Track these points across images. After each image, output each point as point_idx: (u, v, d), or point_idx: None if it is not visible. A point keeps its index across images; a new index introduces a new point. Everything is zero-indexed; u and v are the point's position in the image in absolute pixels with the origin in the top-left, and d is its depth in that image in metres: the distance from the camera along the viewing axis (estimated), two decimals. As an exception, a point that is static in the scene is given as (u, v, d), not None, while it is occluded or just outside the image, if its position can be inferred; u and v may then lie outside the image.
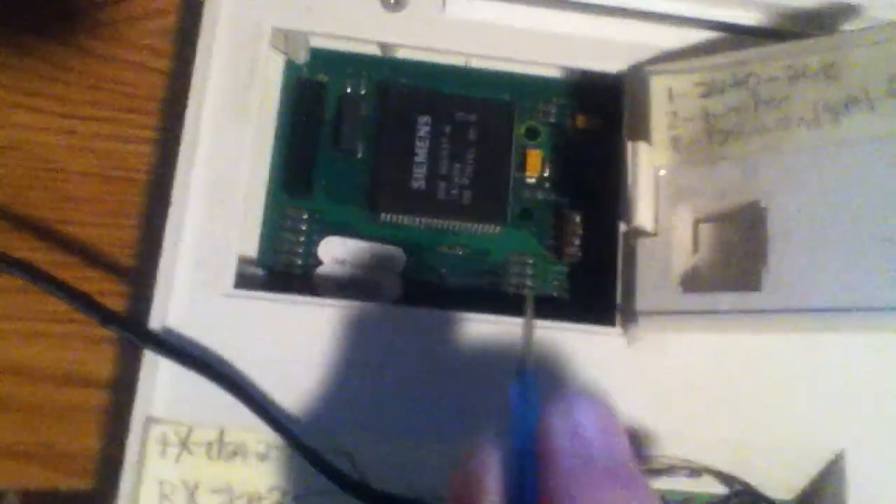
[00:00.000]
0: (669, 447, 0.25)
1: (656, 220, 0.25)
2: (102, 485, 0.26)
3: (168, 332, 0.23)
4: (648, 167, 0.25)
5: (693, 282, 0.25)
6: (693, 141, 0.25)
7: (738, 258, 0.25)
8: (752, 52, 0.25)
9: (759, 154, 0.24)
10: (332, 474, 0.22)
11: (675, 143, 0.25)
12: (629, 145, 0.26)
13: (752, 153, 0.24)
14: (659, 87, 0.26)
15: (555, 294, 0.28)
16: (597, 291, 0.27)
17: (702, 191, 0.25)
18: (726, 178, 0.25)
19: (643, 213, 0.25)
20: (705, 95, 0.25)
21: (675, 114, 0.25)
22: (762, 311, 0.23)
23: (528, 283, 0.28)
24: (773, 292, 0.23)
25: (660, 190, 0.25)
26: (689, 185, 0.25)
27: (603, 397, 0.16)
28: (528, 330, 0.18)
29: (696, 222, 0.26)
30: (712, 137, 0.25)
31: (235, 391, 0.22)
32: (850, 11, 0.27)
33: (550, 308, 0.27)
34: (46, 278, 0.21)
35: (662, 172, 0.26)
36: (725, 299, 0.24)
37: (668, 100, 0.25)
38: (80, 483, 0.26)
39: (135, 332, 0.23)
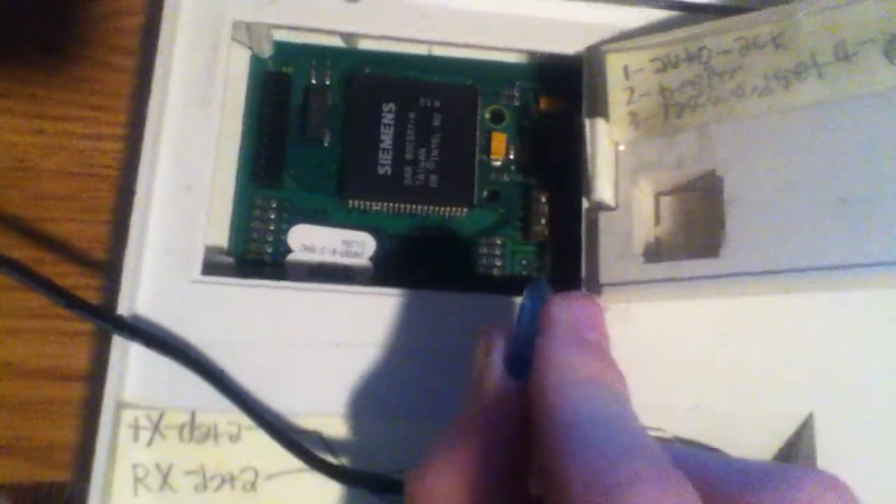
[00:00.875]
0: (639, 416, 0.25)
1: (617, 194, 0.26)
2: (84, 476, 0.26)
3: (136, 318, 0.24)
4: (607, 143, 0.26)
5: (656, 252, 0.26)
6: (650, 115, 0.25)
7: (698, 227, 0.25)
8: (704, 27, 0.25)
9: (714, 124, 0.25)
10: (301, 453, 0.22)
11: (633, 118, 0.26)
12: (587, 122, 0.26)
13: (708, 124, 0.25)
14: (615, 64, 0.26)
15: (524, 273, 0.28)
16: (565, 268, 0.27)
17: (661, 163, 0.25)
18: (684, 150, 0.25)
19: (603, 187, 0.25)
20: (660, 70, 0.26)
21: (631, 90, 0.26)
22: (722, 276, 0.23)
23: (497, 262, 0.28)
24: (732, 257, 0.23)
25: (620, 164, 0.26)
26: (648, 159, 0.26)
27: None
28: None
29: (657, 194, 0.26)
30: (669, 111, 0.25)
31: (202, 372, 0.23)
32: (803, -16, 0.28)
33: (518, 286, 0.27)
34: (4, 262, 0.22)
35: (622, 147, 0.26)
36: (686, 267, 0.24)
37: (624, 76, 0.26)
38: (63, 475, 0.26)
39: (99, 316, 0.23)
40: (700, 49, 0.25)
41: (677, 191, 0.26)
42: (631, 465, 0.15)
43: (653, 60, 0.26)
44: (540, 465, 0.17)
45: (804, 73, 0.24)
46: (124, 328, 0.23)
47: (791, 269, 0.22)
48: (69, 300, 0.22)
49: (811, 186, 0.23)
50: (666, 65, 0.26)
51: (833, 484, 0.15)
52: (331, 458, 0.23)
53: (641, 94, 0.26)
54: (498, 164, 0.29)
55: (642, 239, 0.25)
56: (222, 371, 0.24)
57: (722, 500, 0.15)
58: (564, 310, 0.19)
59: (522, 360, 0.19)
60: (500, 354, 0.19)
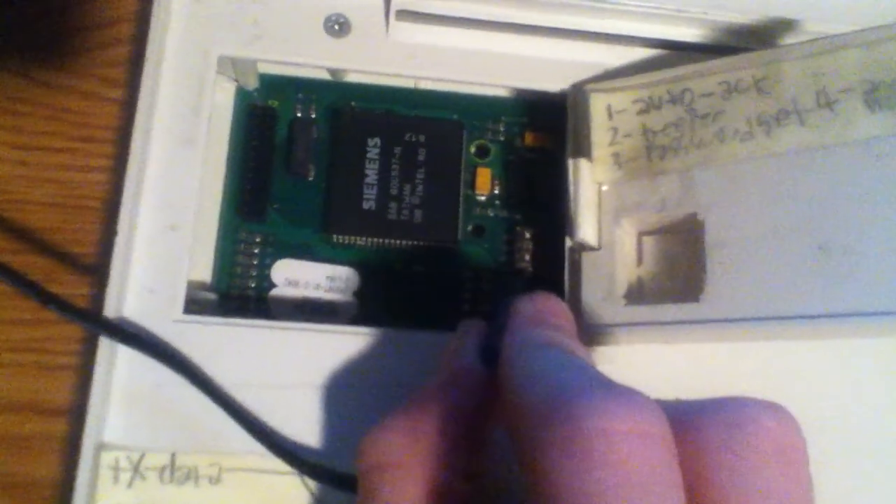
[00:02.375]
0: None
1: (600, 235, 0.26)
2: (62, 512, 0.26)
3: (119, 355, 0.24)
4: (590, 183, 0.26)
5: (638, 293, 0.26)
6: (633, 156, 0.26)
7: (681, 269, 0.25)
8: (687, 69, 0.25)
9: (696, 167, 0.25)
10: (286, 456, 0.22)
11: (616, 158, 0.26)
12: (570, 163, 0.26)
13: (690, 167, 0.25)
14: (598, 104, 0.26)
15: (508, 309, 0.28)
16: (548, 306, 0.27)
17: (643, 204, 0.25)
18: (666, 192, 0.25)
19: (585, 228, 0.25)
20: (643, 112, 0.26)
21: (615, 130, 0.26)
22: (702, 321, 0.24)
23: (482, 298, 0.28)
24: (712, 302, 0.23)
25: (603, 205, 0.26)
26: (631, 200, 0.26)
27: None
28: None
29: (640, 235, 0.26)
30: (651, 152, 0.25)
31: (184, 372, 0.23)
32: (787, 26, 0.28)
33: (502, 323, 0.28)
34: None
35: (605, 188, 0.26)
36: (668, 310, 0.24)
37: (607, 117, 0.26)
38: (40, 511, 0.26)
39: (81, 316, 0.23)
40: (683, 91, 0.25)
41: (659, 232, 0.26)
42: (595, 391, 0.15)
43: (636, 101, 0.26)
44: (507, 425, 0.18)
45: (786, 119, 0.24)
46: (107, 328, 0.23)
47: (771, 317, 0.23)
48: (45, 297, 0.22)
49: (792, 233, 0.23)
50: (649, 106, 0.26)
51: (774, 406, 0.17)
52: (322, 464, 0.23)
53: (624, 135, 0.26)
54: (483, 198, 0.29)
55: (625, 280, 0.26)
56: (197, 367, 0.24)
57: (678, 427, 0.16)
58: (528, 302, 0.21)
59: (493, 353, 0.20)
60: (472, 343, 0.21)
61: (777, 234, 0.23)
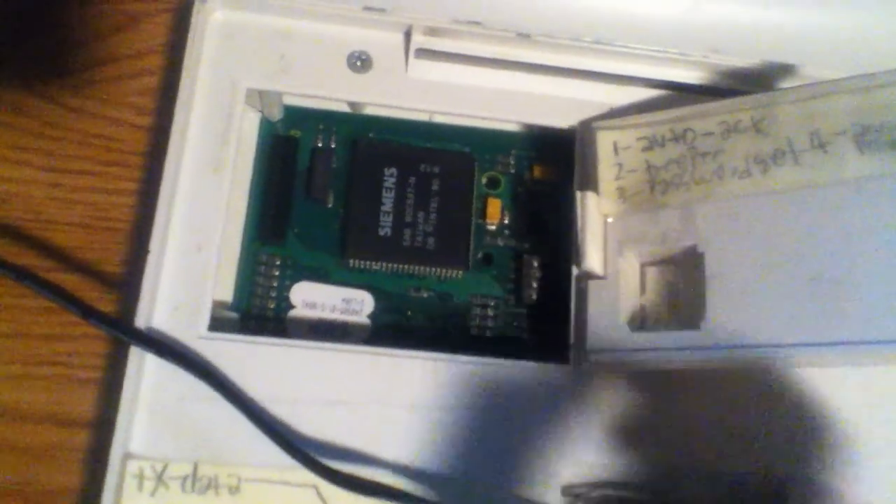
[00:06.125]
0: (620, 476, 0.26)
1: (605, 264, 0.27)
2: (82, 521, 0.27)
3: (146, 370, 0.25)
4: (597, 215, 0.27)
5: (641, 321, 0.27)
6: (637, 191, 0.27)
7: (681, 298, 0.27)
8: (689, 110, 0.27)
9: (696, 202, 0.26)
10: (297, 453, 0.24)
11: (621, 192, 0.27)
12: (578, 195, 0.27)
13: (691, 201, 0.26)
14: (605, 141, 0.28)
15: (515, 335, 0.30)
16: (553, 331, 0.29)
17: (646, 236, 0.27)
18: (668, 225, 0.26)
19: (592, 257, 0.27)
20: (647, 149, 0.27)
21: (620, 165, 0.27)
22: (701, 348, 0.25)
23: (490, 324, 0.30)
24: (711, 331, 0.25)
25: (608, 236, 0.27)
26: (634, 232, 0.27)
27: None
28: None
29: (643, 266, 0.28)
30: (654, 187, 0.27)
31: (208, 379, 0.24)
32: (784, 70, 0.30)
33: (510, 347, 0.29)
34: (28, 276, 0.23)
35: (610, 220, 0.28)
36: (669, 337, 0.25)
37: (613, 153, 0.27)
38: (61, 520, 0.27)
39: (116, 327, 0.25)
40: (685, 130, 0.27)
41: (662, 263, 0.27)
42: None
43: (640, 139, 0.27)
44: None
45: (781, 158, 0.25)
46: (136, 337, 0.24)
47: (766, 345, 0.24)
48: (85, 310, 0.24)
49: (787, 266, 0.24)
50: (653, 143, 0.27)
51: None
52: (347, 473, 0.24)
53: (629, 171, 0.27)
54: (493, 228, 0.31)
55: (629, 308, 0.27)
56: (226, 377, 0.25)
57: None
58: None
59: None
60: None
61: (773, 267, 0.24)
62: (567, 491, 0.26)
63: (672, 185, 0.27)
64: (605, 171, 0.27)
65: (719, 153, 0.26)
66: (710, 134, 0.26)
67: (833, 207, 0.24)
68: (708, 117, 0.27)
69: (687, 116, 0.27)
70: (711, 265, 0.25)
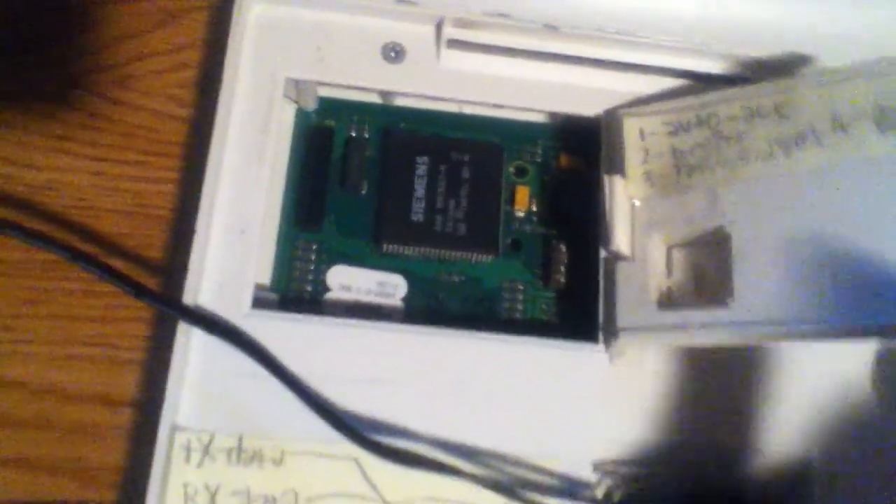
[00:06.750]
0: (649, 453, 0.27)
1: (633, 246, 0.28)
2: (128, 496, 0.28)
3: (192, 347, 0.26)
4: (624, 198, 0.28)
5: (669, 301, 0.28)
6: (663, 174, 0.28)
7: (708, 278, 0.28)
8: (713, 96, 0.28)
9: (721, 185, 0.27)
10: (336, 422, 0.25)
11: (648, 176, 0.28)
12: (606, 179, 0.28)
13: (716, 184, 0.27)
14: (631, 127, 0.29)
15: (544, 317, 0.30)
16: (582, 313, 0.29)
17: (673, 218, 0.28)
18: (694, 207, 0.27)
19: (620, 239, 0.28)
20: (673, 134, 0.28)
21: (646, 150, 0.28)
22: (729, 325, 0.26)
23: (519, 307, 0.30)
24: (739, 308, 0.25)
25: (635, 218, 0.28)
26: (661, 214, 0.28)
27: None
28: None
29: (669, 247, 0.28)
30: (680, 171, 0.28)
31: (255, 354, 0.25)
32: (802, 60, 0.31)
33: (539, 329, 0.30)
34: (82, 257, 0.25)
35: (637, 203, 0.28)
36: (697, 315, 0.26)
37: (639, 138, 0.28)
38: (109, 496, 0.28)
39: (165, 303, 0.26)
40: (709, 115, 0.28)
41: (688, 244, 0.28)
42: None
43: (666, 124, 0.28)
44: None
45: (803, 141, 0.26)
46: (187, 314, 0.26)
47: (792, 320, 0.25)
48: (138, 290, 0.25)
49: (811, 245, 0.25)
50: (678, 129, 0.28)
51: None
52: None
53: (655, 155, 0.28)
54: (521, 215, 0.32)
55: (656, 288, 0.28)
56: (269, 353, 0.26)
57: None
58: None
59: None
60: None
61: (797, 246, 0.25)
62: (598, 467, 0.27)
63: (697, 168, 0.27)
64: (632, 156, 0.28)
65: (743, 136, 0.27)
66: (733, 118, 0.27)
67: (855, 185, 0.25)
68: (731, 102, 0.28)
69: (711, 102, 0.28)
70: (738, 245, 0.26)
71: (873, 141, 0.25)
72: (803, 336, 0.25)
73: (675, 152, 0.28)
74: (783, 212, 0.26)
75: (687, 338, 0.26)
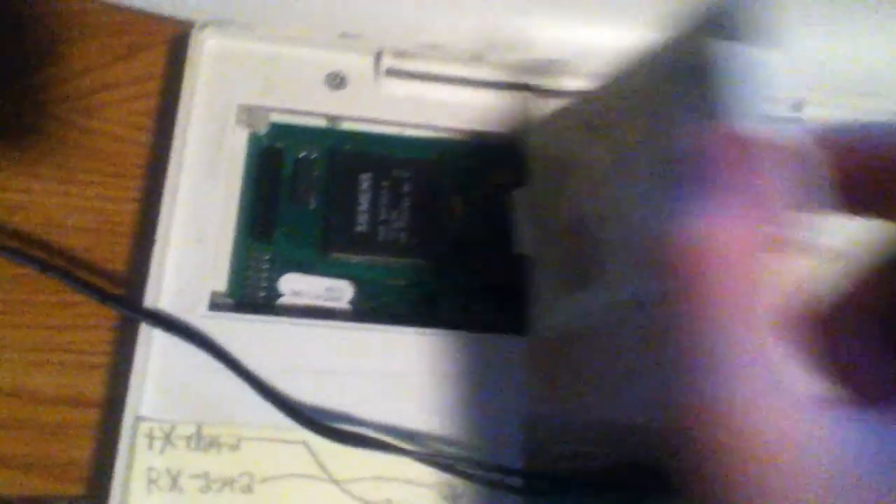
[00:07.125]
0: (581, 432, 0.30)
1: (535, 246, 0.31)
2: (95, 489, 0.30)
3: (154, 345, 0.29)
4: (526, 207, 0.32)
5: (567, 291, 0.31)
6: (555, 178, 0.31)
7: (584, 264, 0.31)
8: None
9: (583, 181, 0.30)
10: (289, 410, 0.27)
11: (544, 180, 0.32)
12: (514, 192, 0.32)
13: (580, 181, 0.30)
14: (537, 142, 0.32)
15: (477, 313, 0.34)
16: (509, 309, 0.33)
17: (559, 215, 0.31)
18: (571, 202, 0.30)
19: (524, 241, 0.31)
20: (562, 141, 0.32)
21: (546, 165, 0.32)
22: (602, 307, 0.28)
23: (456, 305, 0.34)
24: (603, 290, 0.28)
25: (537, 221, 0.32)
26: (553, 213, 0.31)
27: None
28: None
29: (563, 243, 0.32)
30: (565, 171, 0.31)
31: (213, 351, 0.28)
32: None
33: (473, 325, 0.33)
34: (53, 268, 0.29)
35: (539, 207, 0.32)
36: (592, 301, 0.29)
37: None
38: (78, 490, 0.30)
39: (131, 308, 0.29)
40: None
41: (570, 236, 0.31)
42: None
43: (558, 137, 0.32)
44: None
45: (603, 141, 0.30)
46: (149, 316, 0.28)
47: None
48: (103, 296, 0.28)
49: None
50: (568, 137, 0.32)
51: None
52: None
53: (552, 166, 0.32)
54: (456, 224, 0.35)
55: (557, 281, 0.31)
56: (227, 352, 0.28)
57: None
58: None
59: None
60: None
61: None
62: (530, 444, 0.30)
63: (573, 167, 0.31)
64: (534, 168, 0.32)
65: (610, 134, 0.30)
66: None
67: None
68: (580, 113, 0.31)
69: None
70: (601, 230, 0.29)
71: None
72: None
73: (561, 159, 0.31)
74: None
75: (589, 324, 0.29)
